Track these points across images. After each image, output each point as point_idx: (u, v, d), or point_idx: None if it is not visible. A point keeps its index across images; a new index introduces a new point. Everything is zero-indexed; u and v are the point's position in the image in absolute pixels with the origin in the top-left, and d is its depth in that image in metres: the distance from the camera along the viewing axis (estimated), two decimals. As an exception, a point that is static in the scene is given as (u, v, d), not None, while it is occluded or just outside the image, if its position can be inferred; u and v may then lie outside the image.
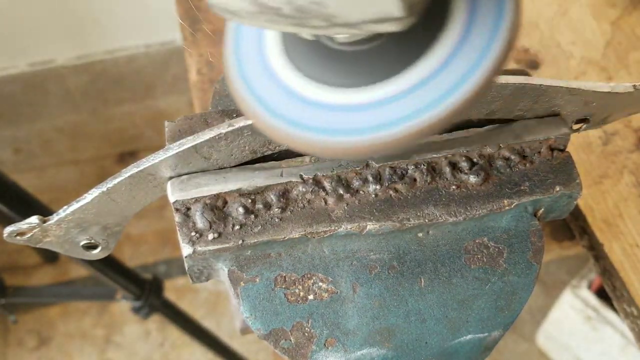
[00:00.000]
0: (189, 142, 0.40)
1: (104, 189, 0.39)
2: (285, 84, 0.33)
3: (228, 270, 0.41)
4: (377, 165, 0.43)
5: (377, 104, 0.31)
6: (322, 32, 0.28)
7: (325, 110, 0.32)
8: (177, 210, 0.41)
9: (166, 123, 0.44)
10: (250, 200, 0.41)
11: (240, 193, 0.41)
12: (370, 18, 0.26)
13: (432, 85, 0.29)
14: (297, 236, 0.41)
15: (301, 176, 0.42)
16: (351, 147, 0.31)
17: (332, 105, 0.32)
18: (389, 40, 0.30)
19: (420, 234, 0.43)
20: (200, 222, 0.41)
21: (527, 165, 0.45)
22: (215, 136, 0.39)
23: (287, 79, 0.33)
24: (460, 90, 0.29)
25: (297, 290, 0.41)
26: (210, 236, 0.40)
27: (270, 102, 0.33)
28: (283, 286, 0.41)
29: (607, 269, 0.64)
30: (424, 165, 0.43)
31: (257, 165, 0.42)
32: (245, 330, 0.72)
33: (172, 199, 0.41)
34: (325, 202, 0.42)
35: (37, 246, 0.42)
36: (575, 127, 0.47)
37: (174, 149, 0.40)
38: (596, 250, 0.65)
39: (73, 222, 0.41)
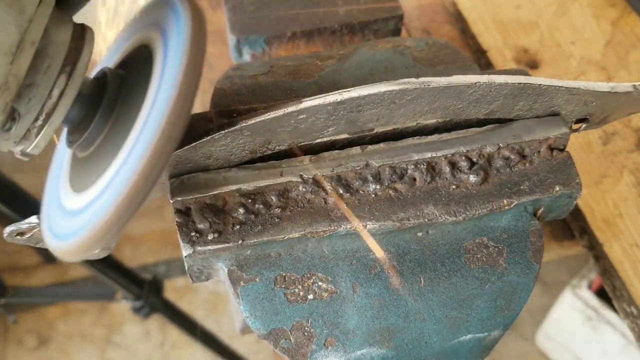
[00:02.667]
0: (188, 142, 0.40)
1: (104, 188, 0.39)
2: (60, 197, 0.37)
3: (228, 270, 0.41)
4: (377, 165, 0.43)
5: (82, 209, 0.33)
6: None
7: (65, 216, 0.35)
8: (177, 210, 0.41)
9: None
10: (250, 200, 0.41)
11: (240, 193, 0.41)
12: None
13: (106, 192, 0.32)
14: (297, 236, 0.41)
15: (301, 176, 0.42)
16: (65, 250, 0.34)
17: (70, 210, 0.35)
18: (99, 144, 0.34)
19: (420, 234, 0.43)
20: (200, 222, 0.41)
21: (527, 165, 0.45)
22: (215, 136, 0.39)
23: (62, 192, 0.37)
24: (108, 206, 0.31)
25: (297, 290, 0.41)
26: (210, 236, 0.40)
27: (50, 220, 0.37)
28: (283, 286, 0.41)
29: (607, 269, 0.64)
30: (423, 165, 0.43)
31: (257, 165, 0.42)
32: (245, 330, 0.72)
33: (172, 199, 0.41)
34: (325, 202, 0.42)
35: (37, 246, 0.42)
36: (575, 127, 0.47)
37: (173, 148, 0.39)
38: (596, 250, 0.65)
39: (73, 222, 0.41)
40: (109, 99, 0.34)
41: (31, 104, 0.31)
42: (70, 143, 0.36)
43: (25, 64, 0.30)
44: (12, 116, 0.31)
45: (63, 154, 0.41)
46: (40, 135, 0.33)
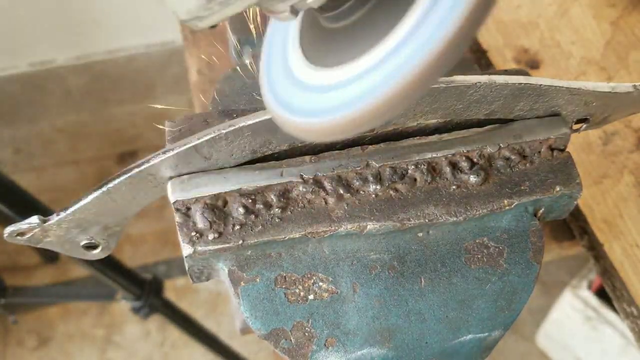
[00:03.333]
0: (189, 142, 0.40)
1: (104, 189, 0.39)
2: (293, 72, 0.34)
3: (228, 270, 0.41)
4: (377, 165, 0.43)
5: (353, 79, 0.30)
6: None
7: (311, 92, 0.32)
8: (177, 210, 0.41)
9: (166, 123, 0.44)
10: (250, 200, 0.41)
11: (241, 193, 0.41)
12: None
13: (398, 54, 0.28)
14: (297, 236, 0.41)
15: (301, 176, 0.42)
16: (324, 128, 0.31)
17: (317, 86, 0.32)
18: (367, 12, 0.30)
19: (420, 234, 0.43)
20: (200, 222, 0.41)
21: (527, 165, 0.45)
22: (215, 136, 0.39)
23: (298, 71, 0.34)
24: (420, 56, 0.27)
25: (297, 290, 0.41)
26: (211, 236, 0.40)
27: (278, 90, 0.34)
28: (283, 286, 0.41)
29: (607, 269, 0.64)
30: (424, 165, 0.43)
31: (257, 165, 0.42)
32: (245, 330, 0.72)
33: (172, 199, 0.41)
34: (326, 202, 0.42)
35: (38, 246, 0.42)
36: (575, 127, 0.47)
37: (174, 149, 0.40)
38: (596, 250, 0.65)
39: (73, 222, 0.41)
40: None
41: None
42: (323, 11, 0.32)
43: None
44: None
45: (287, 25, 0.37)
46: None
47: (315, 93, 0.32)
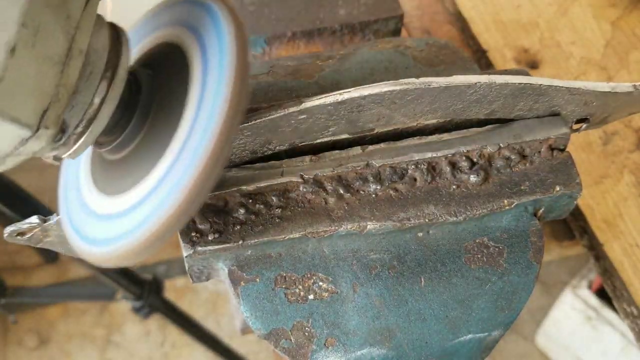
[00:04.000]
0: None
1: (104, 188, 0.39)
2: (88, 206, 0.36)
3: (228, 270, 0.41)
4: (377, 165, 0.43)
5: (126, 211, 0.32)
6: (2, 167, 0.30)
7: (102, 221, 0.34)
8: (177, 210, 0.41)
9: (166, 123, 0.44)
10: (250, 200, 0.41)
11: (241, 193, 0.41)
12: (7, 149, 0.28)
13: (154, 195, 0.31)
14: (297, 236, 0.41)
15: (301, 176, 0.42)
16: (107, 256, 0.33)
17: (107, 215, 0.34)
18: (136, 147, 0.33)
19: (420, 234, 0.43)
20: (200, 222, 0.41)
21: (527, 165, 0.45)
22: (215, 136, 0.39)
23: (88, 197, 0.36)
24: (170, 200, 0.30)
25: (297, 290, 0.41)
26: (211, 236, 0.40)
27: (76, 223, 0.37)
28: (283, 286, 0.41)
29: (607, 269, 0.64)
30: (424, 165, 0.43)
31: (257, 165, 0.42)
32: (245, 330, 0.72)
33: (172, 198, 0.41)
34: (326, 202, 0.42)
35: (37, 246, 0.42)
36: (575, 127, 0.47)
37: (174, 148, 0.39)
38: (596, 250, 0.65)
39: (73, 222, 0.41)
40: (144, 102, 0.33)
41: (73, 112, 0.30)
42: (100, 145, 0.34)
43: (75, 73, 0.29)
44: (62, 127, 0.30)
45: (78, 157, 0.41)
46: (80, 142, 0.31)
47: (105, 222, 0.34)
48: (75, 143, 0.31)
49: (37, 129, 0.27)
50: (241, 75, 0.30)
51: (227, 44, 0.30)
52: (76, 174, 0.39)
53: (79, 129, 0.31)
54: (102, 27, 0.31)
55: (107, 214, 0.34)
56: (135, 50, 0.37)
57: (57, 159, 0.33)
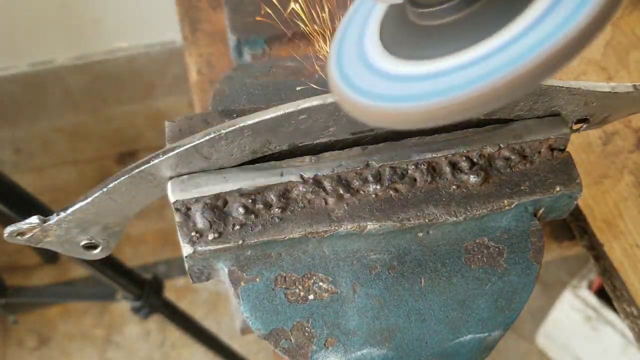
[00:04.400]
0: (189, 142, 0.40)
1: (104, 189, 0.39)
2: (375, 66, 0.33)
3: (228, 270, 0.41)
4: (377, 165, 0.43)
5: (462, 66, 0.30)
6: None
7: (403, 81, 0.32)
8: (177, 210, 0.41)
9: (166, 123, 0.44)
10: (250, 200, 0.41)
11: (241, 193, 0.41)
12: None
13: (518, 43, 0.28)
14: (297, 236, 0.41)
15: (301, 176, 0.42)
16: (430, 111, 0.30)
17: (411, 75, 0.31)
18: (472, 13, 0.30)
19: (420, 234, 0.43)
20: (200, 222, 0.41)
21: (527, 165, 0.45)
22: (215, 136, 0.39)
23: (378, 61, 0.34)
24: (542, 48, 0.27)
25: (297, 290, 0.41)
26: (211, 236, 0.40)
27: (357, 81, 0.33)
28: (283, 286, 0.41)
29: (607, 269, 0.64)
30: (424, 165, 0.43)
31: (257, 165, 0.42)
32: (245, 330, 0.72)
33: (172, 199, 0.41)
34: (326, 202, 0.42)
35: (37, 246, 0.42)
36: (575, 127, 0.47)
37: (174, 149, 0.40)
38: (596, 250, 0.65)
39: (73, 222, 0.41)
40: None
41: None
42: (421, 6, 0.32)
43: None
44: None
45: (367, 17, 0.37)
46: None
47: (409, 82, 0.31)
48: None
49: None
50: None
51: None
52: (359, 38, 0.36)
53: None
54: None
55: (418, 74, 0.31)
56: None
57: None
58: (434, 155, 0.44)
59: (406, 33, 0.33)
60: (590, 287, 1.31)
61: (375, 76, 0.33)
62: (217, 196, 0.41)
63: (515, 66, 0.27)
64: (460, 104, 0.28)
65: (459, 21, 0.31)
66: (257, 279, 0.41)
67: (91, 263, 0.94)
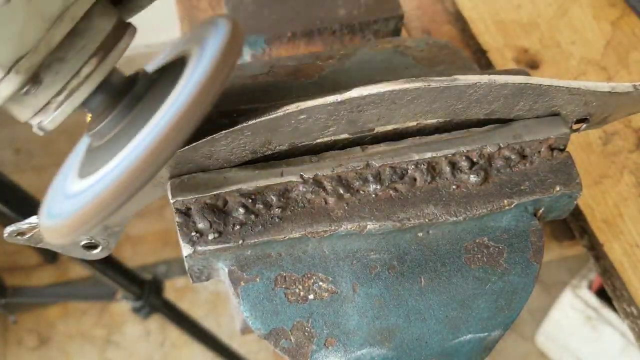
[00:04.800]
0: (189, 142, 0.39)
1: (104, 188, 0.39)
2: (66, 190, 0.38)
3: (228, 270, 0.41)
4: (377, 165, 0.43)
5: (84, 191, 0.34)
6: None
7: (65, 200, 0.36)
8: (177, 210, 0.41)
9: (166, 123, 0.44)
10: (250, 200, 0.41)
11: (241, 193, 0.41)
12: None
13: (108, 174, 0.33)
14: (297, 236, 0.41)
15: (301, 176, 0.42)
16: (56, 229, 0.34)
17: (70, 194, 0.36)
18: (116, 134, 0.35)
19: (420, 234, 0.43)
20: (200, 222, 0.41)
21: (527, 165, 0.45)
22: (215, 136, 0.39)
23: (69, 185, 0.38)
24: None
25: (297, 290, 0.41)
26: (211, 236, 0.40)
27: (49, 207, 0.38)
28: (283, 286, 0.41)
29: (607, 269, 0.64)
30: (424, 165, 0.43)
31: (257, 165, 0.42)
32: (245, 330, 0.72)
33: (172, 199, 0.41)
34: (326, 202, 0.42)
35: (37, 246, 0.42)
36: (575, 127, 0.47)
37: (174, 148, 0.39)
38: (596, 250, 0.65)
39: (73, 222, 0.41)
40: (133, 95, 0.36)
41: (57, 77, 0.32)
42: (88, 130, 0.37)
43: (60, 35, 0.31)
44: (35, 80, 0.32)
45: (83, 144, 0.42)
46: (59, 110, 0.34)
47: (67, 200, 0.35)
48: (54, 110, 0.34)
49: (8, 72, 0.30)
50: (223, 59, 0.32)
51: (217, 42, 0.33)
52: (73, 159, 0.41)
53: (61, 97, 0.33)
54: (110, 15, 0.34)
55: (71, 193, 0.36)
56: (157, 63, 0.41)
57: (41, 128, 0.35)
58: (434, 155, 0.44)
59: (89, 155, 0.38)
60: (590, 287, 1.31)
61: (61, 197, 0.37)
62: (217, 196, 0.41)
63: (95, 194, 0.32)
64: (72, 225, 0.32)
65: (107, 144, 0.36)
66: (257, 279, 0.41)
67: (91, 263, 0.94)
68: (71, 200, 0.34)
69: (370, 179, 0.43)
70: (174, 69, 0.36)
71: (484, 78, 0.41)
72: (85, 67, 0.33)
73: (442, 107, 0.43)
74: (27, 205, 0.86)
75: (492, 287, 0.42)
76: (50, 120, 0.34)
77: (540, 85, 0.42)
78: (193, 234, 0.40)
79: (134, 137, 0.33)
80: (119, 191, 0.31)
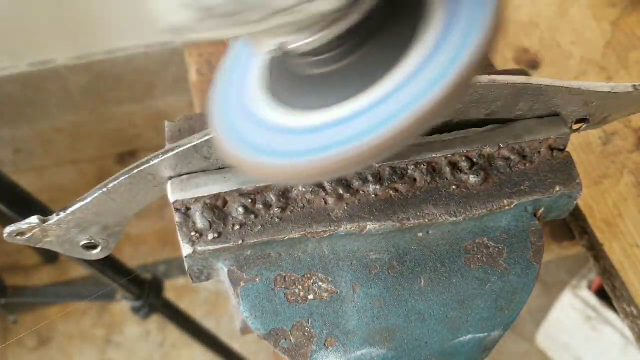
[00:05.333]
0: (188, 142, 0.40)
1: (104, 189, 0.39)
2: (258, 116, 0.34)
3: (228, 270, 0.41)
4: (377, 165, 0.43)
5: (339, 122, 0.30)
6: (265, 25, 0.27)
7: (293, 135, 0.32)
8: (177, 210, 0.41)
9: (166, 123, 0.44)
10: (250, 200, 0.41)
11: (240, 193, 0.41)
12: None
13: (392, 100, 0.29)
14: (297, 236, 0.41)
15: (301, 176, 0.42)
16: (307, 168, 0.30)
17: (299, 128, 0.32)
18: (357, 58, 0.31)
19: (420, 234, 0.43)
20: (200, 222, 0.41)
21: (527, 165, 0.45)
22: (215, 136, 0.39)
23: (261, 110, 0.34)
24: (420, 101, 0.28)
25: (297, 290, 0.41)
26: (210, 236, 0.40)
27: (241, 133, 0.34)
28: (283, 286, 0.41)
29: (607, 269, 0.64)
30: (424, 165, 0.43)
31: (257, 165, 0.42)
32: (245, 330, 0.72)
33: (172, 199, 0.41)
34: (326, 202, 0.42)
35: (37, 246, 0.42)
36: (575, 127, 0.47)
37: (174, 149, 0.40)
38: (596, 251, 0.65)
39: (73, 222, 0.41)
40: (369, 28, 0.30)
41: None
42: (306, 56, 0.31)
43: None
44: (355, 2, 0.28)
45: (245, 71, 0.37)
46: (324, 32, 0.29)
47: (300, 135, 0.31)
48: (321, 31, 0.29)
49: None
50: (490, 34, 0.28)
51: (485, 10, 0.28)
52: (241, 86, 0.36)
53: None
54: None
55: (300, 128, 0.31)
56: None
57: (283, 49, 0.30)
58: (433, 155, 0.44)
59: (287, 83, 0.33)
60: (590, 287, 1.31)
61: (261, 129, 0.33)
62: (217, 196, 0.41)
63: (395, 120, 0.28)
64: (348, 159, 0.29)
65: (337, 72, 0.31)
66: (257, 279, 0.41)
67: (91, 263, 0.94)
68: (304, 136, 0.30)
69: (370, 179, 0.43)
70: (407, 5, 0.31)
71: (484, 78, 0.41)
72: None
73: (442, 107, 0.42)
74: (27, 205, 0.86)
75: (492, 288, 0.42)
76: (312, 41, 0.29)
77: (540, 85, 0.42)
78: (193, 234, 0.40)
79: (386, 76, 0.29)
80: (400, 135, 0.27)
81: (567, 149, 0.46)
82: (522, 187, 0.44)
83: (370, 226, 0.42)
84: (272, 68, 0.35)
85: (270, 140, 0.32)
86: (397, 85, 0.29)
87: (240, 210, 0.41)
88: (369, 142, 0.28)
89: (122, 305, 1.45)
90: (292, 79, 0.33)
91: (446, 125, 0.45)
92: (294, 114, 0.32)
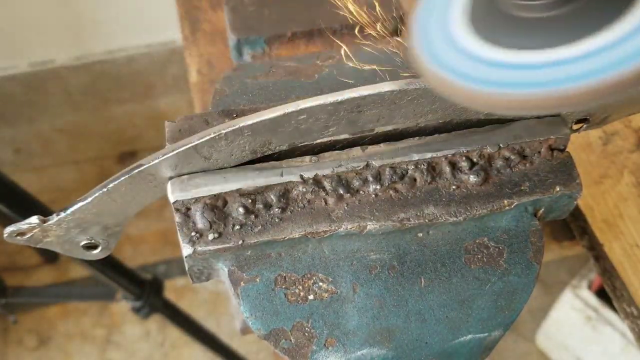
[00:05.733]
0: (189, 142, 0.40)
1: (104, 189, 0.39)
2: (467, 48, 0.34)
3: (228, 270, 0.41)
4: (377, 166, 0.43)
5: (571, 60, 0.30)
6: None
7: (510, 69, 0.32)
8: (177, 210, 0.41)
9: (166, 123, 0.44)
10: (250, 200, 0.41)
11: (241, 193, 0.41)
12: None
13: (628, 43, 0.28)
14: (297, 236, 0.41)
15: (301, 176, 0.42)
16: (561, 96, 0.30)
17: (519, 64, 0.32)
18: (582, 5, 0.31)
19: (420, 234, 0.43)
20: (200, 222, 0.41)
21: (527, 165, 0.45)
22: (215, 136, 0.39)
23: (469, 42, 0.34)
24: None
25: (297, 290, 0.41)
26: (211, 236, 0.40)
27: (445, 59, 0.34)
28: (283, 286, 0.41)
29: (607, 269, 0.64)
30: (424, 165, 0.43)
31: (257, 165, 0.42)
32: (245, 330, 0.72)
33: (172, 199, 0.41)
34: (326, 202, 0.42)
35: (37, 246, 0.42)
36: (575, 127, 0.47)
37: (174, 149, 0.39)
38: (596, 251, 0.65)
39: (73, 222, 0.41)
40: None
41: None
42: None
43: None
44: None
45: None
46: None
47: (530, 70, 0.31)
48: None
49: None
50: None
51: None
52: (444, 19, 0.36)
53: None
54: None
55: (536, 62, 0.31)
56: None
57: None
58: (433, 155, 0.44)
59: (501, 22, 0.34)
60: (590, 287, 1.31)
61: (479, 63, 0.33)
62: (217, 196, 0.41)
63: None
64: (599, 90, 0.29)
65: (562, 16, 0.31)
66: (257, 279, 0.41)
67: (91, 263, 0.94)
68: (528, 71, 0.31)
69: (370, 179, 0.43)
70: None
71: (484, 78, 0.41)
72: None
73: (442, 107, 0.43)
74: (27, 205, 0.86)
75: (492, 288, 0.42)
76: None
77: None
78: (193, 234, 0.40)
79: (614, 23, 0.29)
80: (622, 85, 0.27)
81: (567, 149, 0.46)
82: (522, 187, 0.44)
83: (371, 226, 0.42)
84: (476, 5, 0.35)
85: (480, 70, 0.32)
86: (625, 33, 0.29)
87: (241, 210, 0.41)
88: (611, 77, 0.28)
89: (122, 305, 1.45)
90: (503, 19, 0.33)
91: (446, 125, 0.45)
92: (504, 51, 0.32)
